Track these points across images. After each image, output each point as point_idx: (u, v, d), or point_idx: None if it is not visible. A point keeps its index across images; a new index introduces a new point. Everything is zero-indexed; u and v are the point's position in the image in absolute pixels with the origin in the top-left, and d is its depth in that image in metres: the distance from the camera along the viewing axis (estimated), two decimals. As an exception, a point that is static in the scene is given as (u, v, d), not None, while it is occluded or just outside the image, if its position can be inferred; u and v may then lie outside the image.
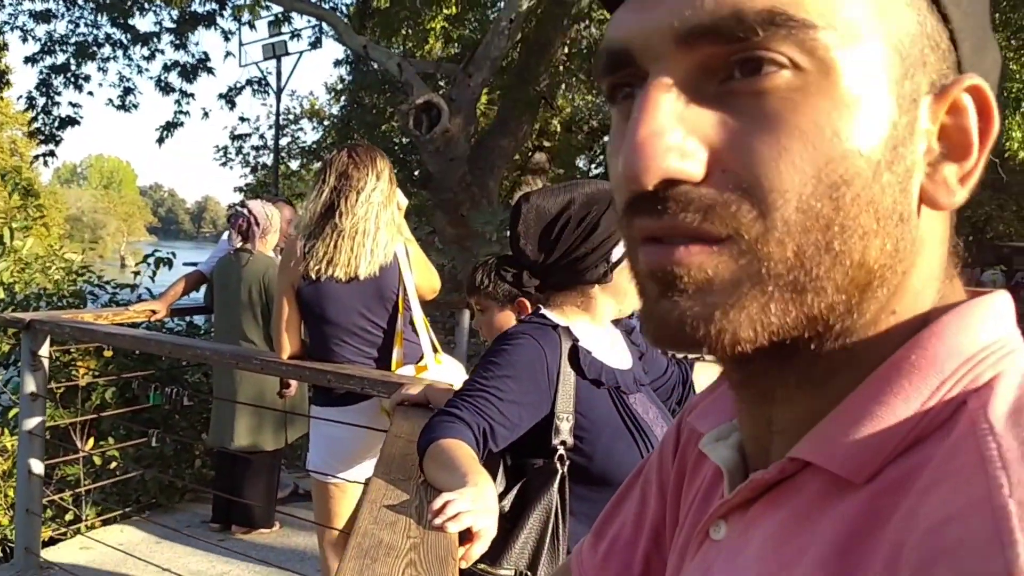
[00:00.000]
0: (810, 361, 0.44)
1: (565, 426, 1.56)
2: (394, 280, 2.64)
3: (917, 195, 0.43)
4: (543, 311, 1.66)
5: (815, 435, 0.43)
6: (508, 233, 1.68)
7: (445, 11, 10.51)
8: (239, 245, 4.04)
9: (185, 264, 5.46)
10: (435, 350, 2.73)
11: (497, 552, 1.48)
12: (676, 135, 0.41)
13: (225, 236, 4.37)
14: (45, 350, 3.55)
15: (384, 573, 1.08)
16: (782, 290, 0.41)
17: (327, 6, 11.47)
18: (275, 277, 3.64)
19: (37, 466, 3.54)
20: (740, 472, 0.51)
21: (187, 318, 5.65)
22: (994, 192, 17.04)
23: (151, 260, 5.28)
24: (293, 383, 4.03)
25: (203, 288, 4.42)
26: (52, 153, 12.38)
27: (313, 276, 2.60)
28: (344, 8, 12.51)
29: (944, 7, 0.43)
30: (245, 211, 4.02)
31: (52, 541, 4.15)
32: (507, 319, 2.17)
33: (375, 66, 11.10)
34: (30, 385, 3.50)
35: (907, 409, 0.41)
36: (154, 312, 4.16)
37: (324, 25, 12.00)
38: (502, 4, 9.50)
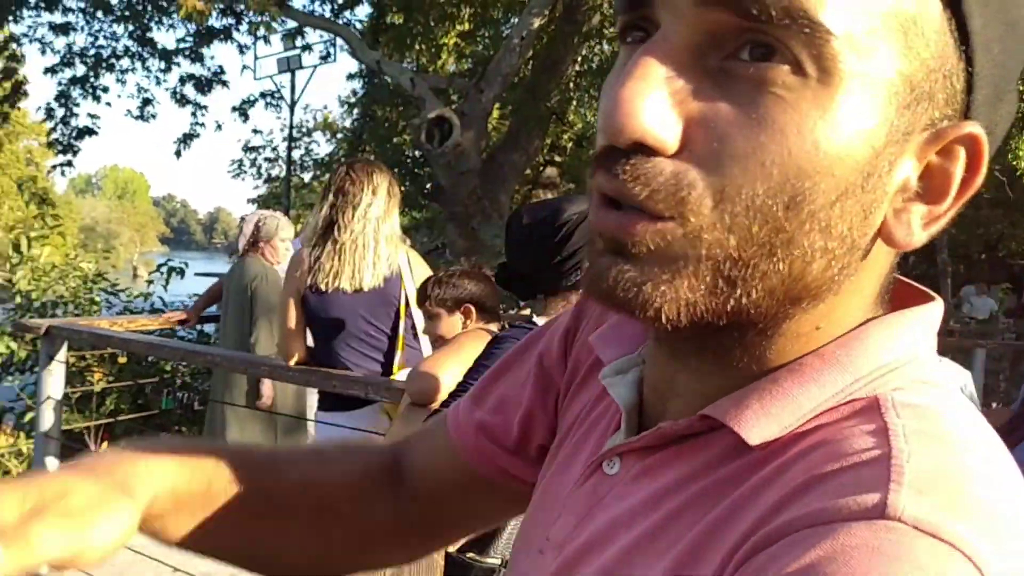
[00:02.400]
0: (729, 347, 0.46)
1: None
2: (397, 288, 2.74)
3: (877, 228, 0.42)
4: (533, 317, 1.76)
5: (731, 400, 0.45)
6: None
7: (458, 27, 10.66)
8: (239, 254, 4.16)
9: (197, 275, 5.55)
10: (436, 356, 2.82)
11: (485, 542, 1.57)
12: (662, 101, 0.40)
13: None
14: (62, 356, 3.67)
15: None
16: (715, 279, 0.41)
17: (341, 21, 11.62)
18: (261, 286, 3.77)
19: (53, 468, 3.62)
20: (636, 413, 0.53)
21: (198, 327, 5.78)
22: (1005, 211, 17.03)
23: (163, 269, 5.41)
24: (267, 393, 3.91)
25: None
26: (70, 163, 12.58)
27: (322, 288, 2.70)
28: (357, 24, 12.69)
29: (973, 50, 0.41)
30: (245, 222, 4.17)
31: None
32: (454, 324, 2.30)
33: (388, 80, 11.23)
34: (47, 389, 3.61)
35: (820, 393, 0.43)
36: (183, 321, 4.42)
37: (338, 39, 12.18)
38: (515, 21, 9.63)
